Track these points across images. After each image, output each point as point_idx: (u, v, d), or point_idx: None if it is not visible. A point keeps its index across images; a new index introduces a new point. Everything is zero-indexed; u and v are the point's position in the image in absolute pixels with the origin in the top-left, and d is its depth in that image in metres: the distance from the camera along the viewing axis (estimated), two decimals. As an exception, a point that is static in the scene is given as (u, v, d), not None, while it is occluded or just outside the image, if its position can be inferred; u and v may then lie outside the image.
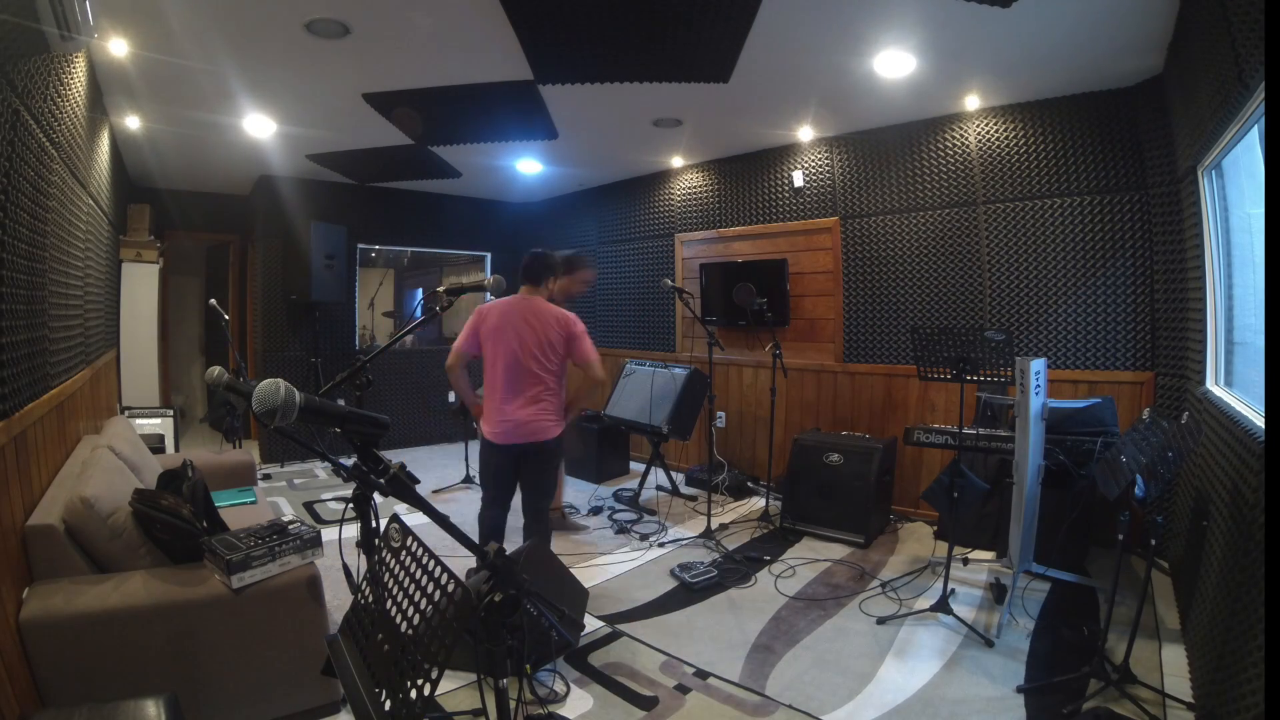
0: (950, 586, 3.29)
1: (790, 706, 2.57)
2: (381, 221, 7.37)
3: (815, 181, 5.36)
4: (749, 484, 5.58)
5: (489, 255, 8.34)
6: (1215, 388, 3.03)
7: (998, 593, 3.43)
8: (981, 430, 3.62)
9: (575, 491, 5.63)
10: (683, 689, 2.69)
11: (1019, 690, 2.60)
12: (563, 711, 2.55)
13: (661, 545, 4.35)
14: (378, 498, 1.50)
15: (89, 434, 3.43)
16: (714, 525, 4.59)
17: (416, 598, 1.39)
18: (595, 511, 5.10)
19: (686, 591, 3.63)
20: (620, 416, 5.57)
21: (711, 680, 2.77)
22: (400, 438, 7.35)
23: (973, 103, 4.37)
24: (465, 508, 5.18)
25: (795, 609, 3.42)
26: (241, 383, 1.94)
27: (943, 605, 3.21)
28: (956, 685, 2.68)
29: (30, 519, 2.19)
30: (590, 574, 3.89)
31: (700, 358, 6.10)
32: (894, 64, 3.67)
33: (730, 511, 5.08)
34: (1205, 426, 2.81)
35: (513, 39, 3.37)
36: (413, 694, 1.25)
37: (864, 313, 5.12)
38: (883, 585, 3.66)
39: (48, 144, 2.58)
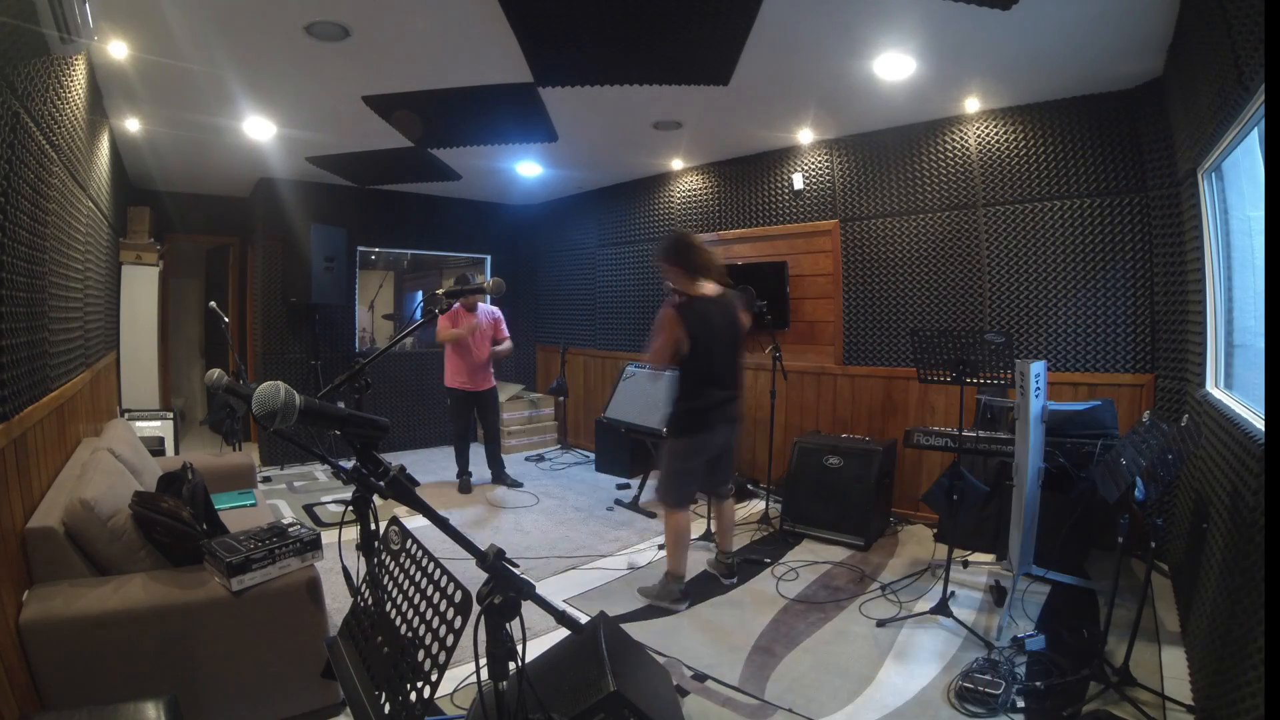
0: (950, 589, 3.29)
1: (790, 710, 2.57)
2: (381, 224, 7.37)
3: (815, 184, 5.36)
4: (749, 486, 5.57)
5: (489, 258, 8.34)
6: (1215, 390, 3.03)
7: (998, 595, 3.43)
8: (981, 433, 3.62)
9: (585, 490, 5.63)
10: (681, 691, 2.69)
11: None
12: (562, 714, 2.54)
13: (661, 548, 4.34)
14: (377, 500, 1.50)
15: (89, 436, 3.43)
16: (714, 528, 4.57)
17: (416, 600, 1.39)
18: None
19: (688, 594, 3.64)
20: (619, 419, 5.56)
21: (710, 683, 2.77)
22: (400, 440, 7.34)
23: (973, 105, 4.37)
24: (465, 508, 5.18)
25: (795, 611, 3.42)
26: (241, 385, 1.94)
27: (943, 608, 3.20)
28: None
29: (30, 521, 2.19)
30: (590, 575, 3.89)
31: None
32: (894, 66, 3.67)
33: (730, 514, 5.07)
34: (1205, 429, 2.80)
35: (512, 41, 3.38)
36: (412, 696, 1.25)
37: (864, 315, 5.12)
38: (883, 588, 3.65)
39: (47, 146, 2.58)
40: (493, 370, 5.74)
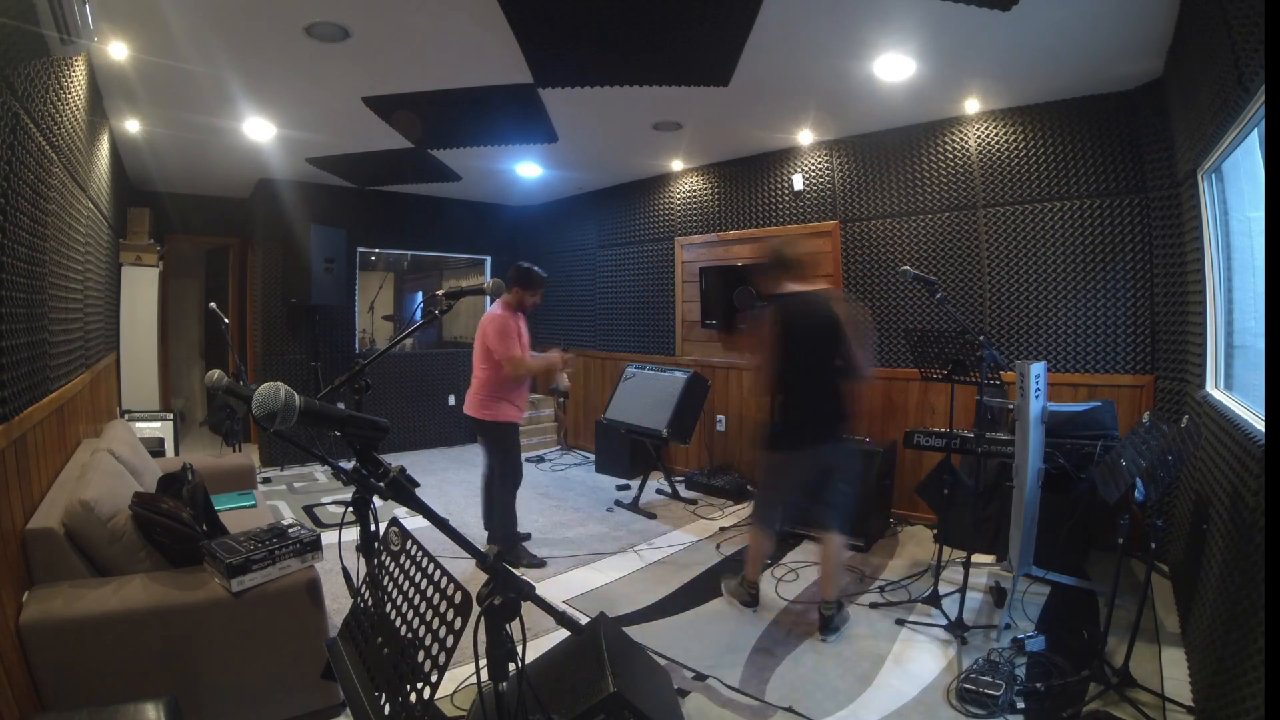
0: (949, 589, 3.29)
1: (790, 710, 2.56)
2: (381, 225, 7.38)
3: (815, 185, 5.37)
4: (748, 487, 5.57)
5: (489, 259, 8.34)
6: (1215, 391, 3.03)
7: (998, 596, 3.42)
8: (981, 434, 3.62)
9: (585, 491, 5.63)
10: (682, 692, 2.69)
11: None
12: (562, 715, 2.54)
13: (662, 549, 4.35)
14: (377, 501, 1.50)
15: (89, 437, 3.43)
16: (714, 528, 4.59)
17: (416, 601, 1.39)
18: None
19: (688, 595, 3.63)
20: (620, 420, 5.56)
21: (711, 683, 2.77)
22: (400, 441, 7.34)
23: (972, 106, 4.37)
24: (465, 509, 5.17)
25: (795, 612, 3.42)
26: (241, 386, 1.94)
27: (935, 598, 3.20)
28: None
29: (30, 522, 2.19)
30: (592, 577, 3.89)
31: (700, 361, 6.11)
32: (894, 67, 3.68)
33: (730, 515, 5.07)
34: (1205, 430, 2.81)
35: (512, 42, 3.38)
36: (412, 697, 1.25)
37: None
38: (882, 589, 3.65)
39: (47, 147, 2.58)
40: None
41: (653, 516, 4.99)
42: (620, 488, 5.78)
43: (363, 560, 1.66)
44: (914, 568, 3.92)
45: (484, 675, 1.28)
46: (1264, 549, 1.77)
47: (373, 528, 1.64)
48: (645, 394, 5.47)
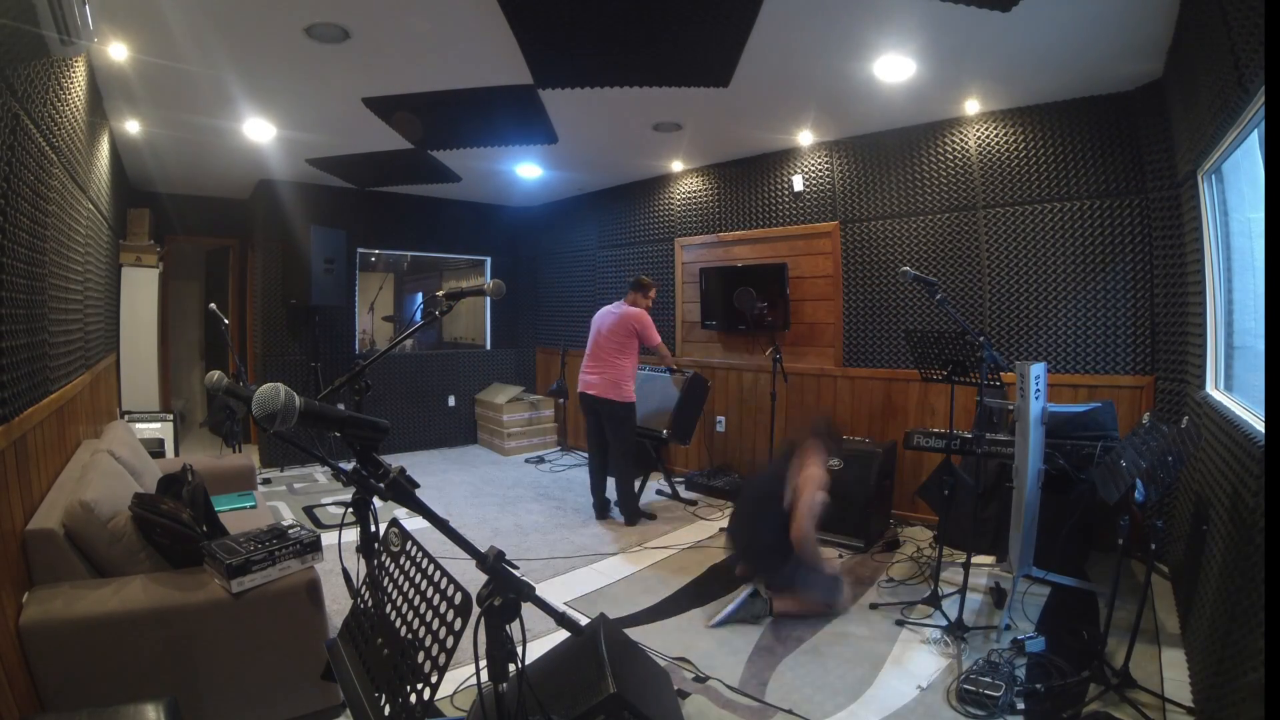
0: (949, 590, 3.29)
1: (790, 711, 2.56)
2: (381, 226, 7.38)
3: (815, 185, 5.37)
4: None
5: (489, 259, 8.34)
6: (1215, 392, 3.03)
7: (998, 597, 3.42)
8: (981, 434, 3.62)
9: (585, 492, 5.62)
10: (682, 694, 2.68)
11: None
12: (562, 716, 2.53)
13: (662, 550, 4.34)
14: (377, 502, 1.50)
15: (88, 438, 3.43)
16: (715, 529, 4.58)
17: (416, 602, 1.39)
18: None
19: (688, 596, 3.63)
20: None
21: (712, 684, 2.77)
22: (400, 442, 7.34)
23: (972, 107, 4.37)
24: (465, 510, 5.18)
25: (795, 614, 3.41)
26: (241, 387, 1.94)
27: (934, 599, 3.20)
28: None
29: (30, 523, 2.19)
30: (591, 577, 3.89)
31: (700, 362, 6.11)
32: (894, 68, 3.68)
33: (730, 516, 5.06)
34: (1205, 431, 2.80)
35: (512, 43, 3.38)
36: (412, 698, 1.25)
37: (864, 317, 5.12)
38: (882, 590, 3.65)
39: (47, 148, 2.58)
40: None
41: (653, 517, 4.98)
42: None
43: (363, 561, 1.66)
44: (913, 568, 3.91)
45: (484, 676, 1.28)
46: (1264, 549, 1.77)
47: (373, 529, 1.64)
48: (645, 395, 5.47)
